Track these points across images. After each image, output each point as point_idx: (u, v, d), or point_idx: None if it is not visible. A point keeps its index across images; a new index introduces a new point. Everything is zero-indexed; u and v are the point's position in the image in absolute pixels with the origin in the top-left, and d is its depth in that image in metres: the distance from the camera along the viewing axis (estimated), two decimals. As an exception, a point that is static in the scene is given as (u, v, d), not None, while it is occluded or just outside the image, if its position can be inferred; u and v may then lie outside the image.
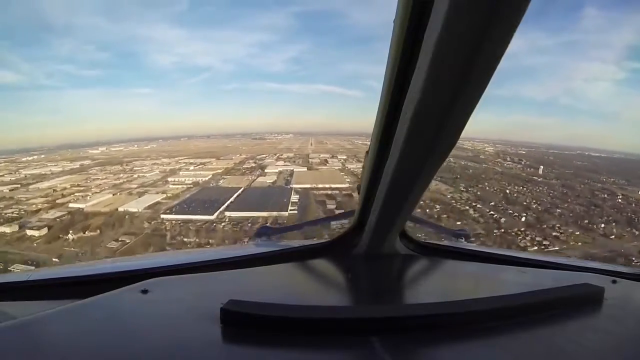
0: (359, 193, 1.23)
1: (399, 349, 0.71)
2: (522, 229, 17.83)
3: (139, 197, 22.04)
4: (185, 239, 17.09)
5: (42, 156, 28.68)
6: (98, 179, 25.32)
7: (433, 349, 0.74)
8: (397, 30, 0.67)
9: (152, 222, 19.13)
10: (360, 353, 0.71)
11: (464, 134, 0.74)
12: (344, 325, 0.75)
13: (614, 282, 1.06)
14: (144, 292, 0.89)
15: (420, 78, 0.63)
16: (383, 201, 1.01)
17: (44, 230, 17.72)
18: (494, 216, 18.93)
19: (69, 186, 23.28)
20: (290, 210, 19.55)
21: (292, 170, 28.96)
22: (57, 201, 20.83)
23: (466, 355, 0.72)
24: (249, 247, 1.48)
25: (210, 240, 16.98)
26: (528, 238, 17.14)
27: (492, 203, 20.18)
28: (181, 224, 18.67)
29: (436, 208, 18.93)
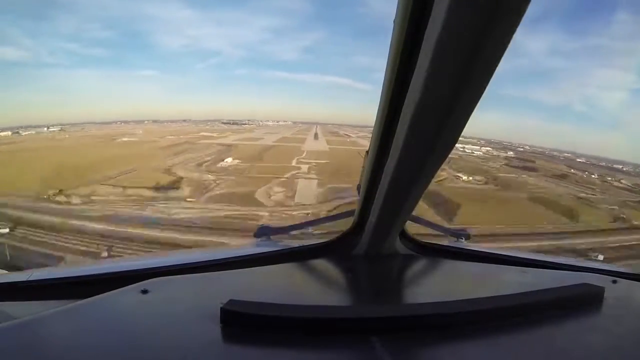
0: (358, 193, 1.23)
1: (399, 349, 0.71)
2: None
3: None
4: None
5: None
6: None
7: (433, 348, 0.74)
8: (397, 30, 0.67)
9: None
10: (360, 353, 0.72)
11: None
12: (344, 325, 0.75)
13: (614, 282, 1.06)
14: (144, 292, 0.89)
15: (420, 78, 0.63)
16: (383, 201, 1.01)
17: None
18: None
19: None
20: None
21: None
22: None
23: (466, 354, 0.72)
24: (249, 247, 1.47)
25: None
26: None
27: None
28: None
29: None
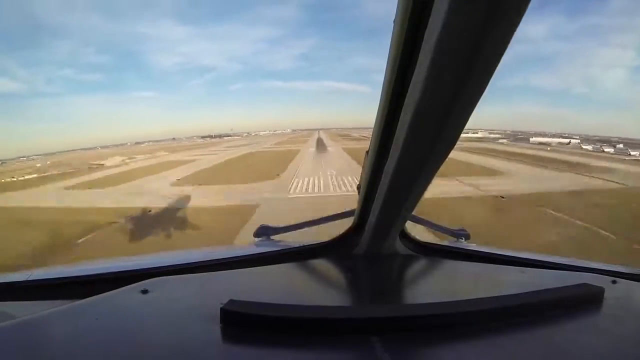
0: (359, 193, 1.23)
1: (399, 349, 0.71)
2: None
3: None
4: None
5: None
6: None
7: (433, 348, 0.74)
8: (397, 30, 0.67)
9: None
10: (360, 353, 0.71)
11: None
12: (344, 325, 0.75)
13: (614, 282, 1.06)
14: (144, 292, 0.89)
15: (420, 78, 0.63)
16: (383, 201, 1.01)
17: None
18: None
19: None
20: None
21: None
22: None
23: (466, 355, 0.72)
24: (249, 247, 1.48)
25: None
26: None
27: None
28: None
29: None
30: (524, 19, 0.52)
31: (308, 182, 15.95)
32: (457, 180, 16.00)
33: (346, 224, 1.36)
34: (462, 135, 0.76)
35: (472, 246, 1.55)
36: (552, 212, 11.21)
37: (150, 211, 12.99)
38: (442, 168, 0.84)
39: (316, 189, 14.76)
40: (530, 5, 0.51)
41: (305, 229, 1.57)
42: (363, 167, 1.13)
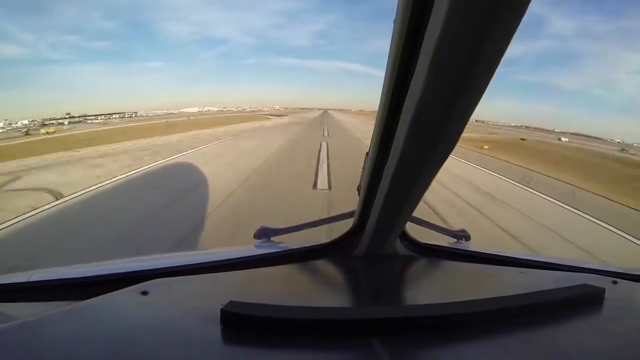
0: (359, 194, 1.23)
1: (399, 350, 0.71)
2: None
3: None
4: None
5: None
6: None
7: (433, 349, 0.74)
8: (397, 30, 0.67)
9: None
10: (360, 354, 0.71)
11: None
12: (345, 327, 0.75)
13: (614, 282, 1.06)
14: (144, 293, 0.89)
15: (420, 78, 0.63)
16: (383, 202, 1.01)
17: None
18: None
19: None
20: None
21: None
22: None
23: (466, 356, 0.72)
24: (249, 249, 1.47)
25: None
26: None
27: None
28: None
29: None
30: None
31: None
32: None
33: (346, 225, 1.35)
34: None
35: (473, 247, 1.55)
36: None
37: None
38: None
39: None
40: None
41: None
42: (363, 168, 1.13)
